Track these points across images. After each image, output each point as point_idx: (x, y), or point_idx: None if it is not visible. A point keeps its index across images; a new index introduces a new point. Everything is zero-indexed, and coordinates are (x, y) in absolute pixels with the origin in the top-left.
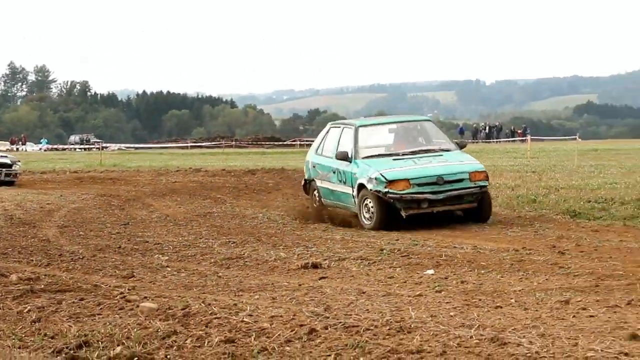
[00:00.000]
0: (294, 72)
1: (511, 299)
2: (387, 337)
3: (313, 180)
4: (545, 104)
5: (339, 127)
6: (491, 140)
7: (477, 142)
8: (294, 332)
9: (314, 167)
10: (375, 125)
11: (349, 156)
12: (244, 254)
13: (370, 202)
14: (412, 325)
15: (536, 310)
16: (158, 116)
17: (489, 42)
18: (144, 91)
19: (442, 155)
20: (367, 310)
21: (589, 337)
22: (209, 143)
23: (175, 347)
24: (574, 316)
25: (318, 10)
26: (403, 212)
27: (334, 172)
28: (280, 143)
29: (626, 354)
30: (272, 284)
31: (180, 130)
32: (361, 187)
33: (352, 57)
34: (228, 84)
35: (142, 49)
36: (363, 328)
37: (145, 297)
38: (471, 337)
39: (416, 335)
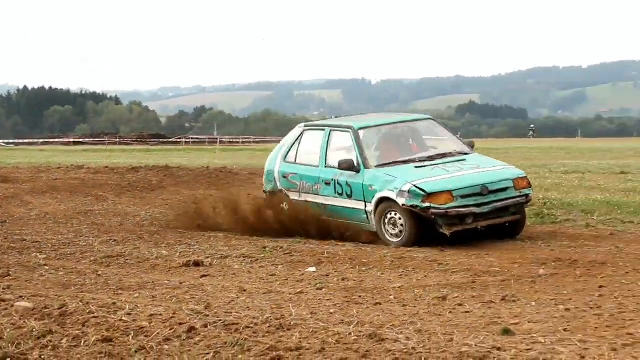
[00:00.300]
0: (180, 69)
1: (390, 295)
2: (266, 334)
3: (281, 192)
4: (429, 103)
5: (322, 129)
6: None
7: None
8: (173, 330)
9: (284, 177)
10: (376, 126)
11: (356, 165)
12: (124, 252)
13: (397, 217)
14: (292, 323)
15: (414, 307)
16: (39, 112)
17: (375, 42)
18: (24, 86)
19: (464, 159)
20: (248, 308)
21: (464, 332)
22: (93, 140)
23: (50, 347)
24: (450, 312)
25: (204, 8)
26: (446, 229)
27: (328, 184)
28: (166, 140)
29: (498, 349)
30: (153, 282)
31: (63, 127)
32: (382, 200)
33: (239, 55)
34: (113, 80)
35: (24, 43)
36: (243, 326)
37: (21, 297)
38: (350, 333)
39: (295, 332)
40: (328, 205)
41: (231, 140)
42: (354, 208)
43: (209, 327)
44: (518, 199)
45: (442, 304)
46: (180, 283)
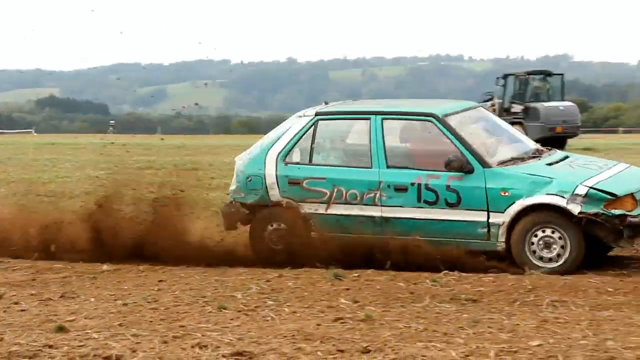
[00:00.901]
0: None
1: None
2: None
3: (278, 205)
4: (9, 96)
5: (365, 117)
6: None
7: None
8: None
9: (293, 184)
10: (462, 112)
11: (468, 163)
12: None
13: (553, 232)
14: None
15: None
16: None
17: None
18: None
19: (568, 156)
20: None
21: (17, 331)
22: None
23: None
24: (5, 311)
25: None
26: (629, 243)
27: (402, 190)
28: None
29: (50, 346)
30: None
31: None
32: (529, 210)
33: None
34: None
35: None
36: None
37: None
38: None
39: None
40: (403, 219)
41: None
42: (463, 221)
43: None
44: None
45: None
46: None
